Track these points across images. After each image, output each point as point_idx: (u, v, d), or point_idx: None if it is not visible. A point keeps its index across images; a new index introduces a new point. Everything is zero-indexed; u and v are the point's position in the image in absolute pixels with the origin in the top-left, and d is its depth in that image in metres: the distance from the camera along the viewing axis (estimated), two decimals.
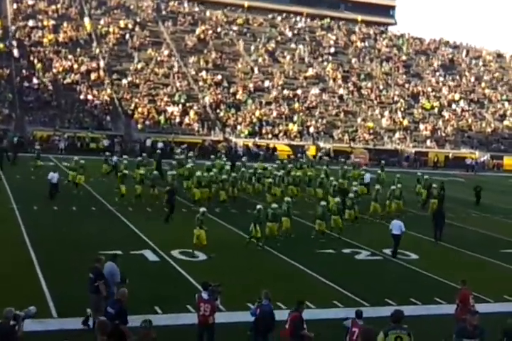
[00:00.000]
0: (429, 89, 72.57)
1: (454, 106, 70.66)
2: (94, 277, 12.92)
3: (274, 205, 22.82)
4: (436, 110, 68.59)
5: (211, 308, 11.89)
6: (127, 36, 66.05)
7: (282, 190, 30.32)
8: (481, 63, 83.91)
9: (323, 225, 23.17)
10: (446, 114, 68.35)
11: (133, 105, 54.79)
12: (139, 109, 54.36)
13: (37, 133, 49.05)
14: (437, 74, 77.39)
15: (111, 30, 66.05)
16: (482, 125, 68.23)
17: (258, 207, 21.69)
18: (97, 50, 62.21)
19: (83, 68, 58.12)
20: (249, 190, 31.37)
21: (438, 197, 30.16)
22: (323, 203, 24.08)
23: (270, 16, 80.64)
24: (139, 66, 61.03)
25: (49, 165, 35.59)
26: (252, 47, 70.92)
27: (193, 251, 19.50)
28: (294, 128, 57.59)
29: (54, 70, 56.94)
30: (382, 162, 42.32)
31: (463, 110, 70.26)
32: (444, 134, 64.29)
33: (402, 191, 29.30)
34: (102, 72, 58.51)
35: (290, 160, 39.79)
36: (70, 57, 59.26)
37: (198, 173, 29.45)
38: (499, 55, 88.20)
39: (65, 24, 64.58)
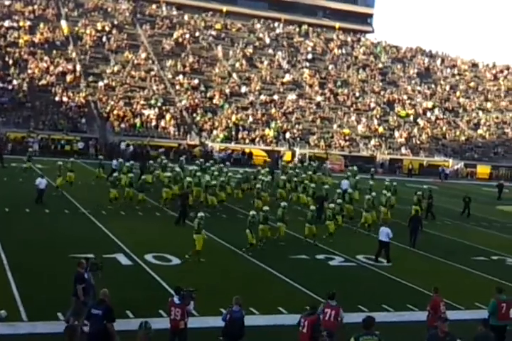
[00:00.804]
0: (405, 96, 73.18)
1: (428, 114, 71.32)
2: (74, 281, 13.02)
3: (266, 207, 23.18)
4: (411, 118, 69.17)
5: (182, 313, 11.84)
6: (104, 38, 65.71)
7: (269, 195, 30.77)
8: (456, 72, 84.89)
9: (313, 229, 23.39)
10: (421, 121, 68.95)
11: (109, 108, 54.46)
12: (115, 112, 54.05)
13: (10, 135, 48.49)
14: (413, 82, 78.11)
15: (88, 32, 65.69)
16: (456, 133, 68.95)
17: (252, 212, 21.70)
18: (74, 52, 61.78)
19: (59, 70, 57.70)
20: (239, 194, 31.35)
21: (418, 203, 30.48)
22: (312, 207, 24.60)
23: (248, 22, 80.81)
24: (116, 69, 60.73)
25: (22, 166, 35.13)
26: (230, 52, 70.99)
27: (194, 257, 19.38)
28: (270, 133, 57.66)
29: (29, 71, 56.43)
30: (372, 170, 42.70)
31: (437, 118, 70.96)
32: (418, 142, 64.84)
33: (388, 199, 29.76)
34: (78, 74, 58.10)
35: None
36: (45, 58, 58.78)
37: (189, 178, 29.78)
38: (474, 65, 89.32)
39: (41, 25, 64.11)
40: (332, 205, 25.11)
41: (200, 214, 20.34)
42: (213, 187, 29.10)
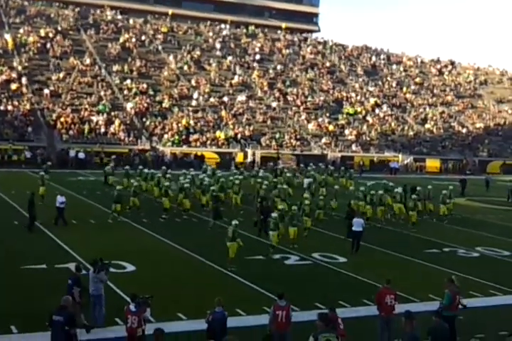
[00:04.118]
0: (353, 94, 73.97)
1: (377, 110, 72.22)
2: (72, 283, 13.38)
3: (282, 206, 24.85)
4: (360, 115, 69.96)
5: (138, 320, 11.74)
6: (48, 45, 64.64)
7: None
8: (401, 69, 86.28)
9: (309, 222, 25.21)
10: (370, 118, 69.80)
11: (55, 115, 53.46)
12: (62, 119, 53.08)
13: None
14: (360, 80, 79.02)
15: (31, 39, 64.50)
16: (405, 129, 70.02)
17: (273, 215, 22.26)
18: (17, 60, 60.59)
19: (2, 78, 56.50)
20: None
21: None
22: (306, 202, 25.99)
23: (195, 24, 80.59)
24: (61, 75, 59.74)
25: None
26: (178, 55, 70.67)
27: (230, 266, 19.55)
28: (221, 135, 57.53)
29: None
30: (330, 167, 43.71)
31: (386, 115, 71.91)
32: (368, 138, 65.61)
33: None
34: (22, 82, 56.96)
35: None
36: None
37: (166, 183, 30.13)
38: (418, 60, 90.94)
39: None
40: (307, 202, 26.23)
41: (234, 222, 20.18)
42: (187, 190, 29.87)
